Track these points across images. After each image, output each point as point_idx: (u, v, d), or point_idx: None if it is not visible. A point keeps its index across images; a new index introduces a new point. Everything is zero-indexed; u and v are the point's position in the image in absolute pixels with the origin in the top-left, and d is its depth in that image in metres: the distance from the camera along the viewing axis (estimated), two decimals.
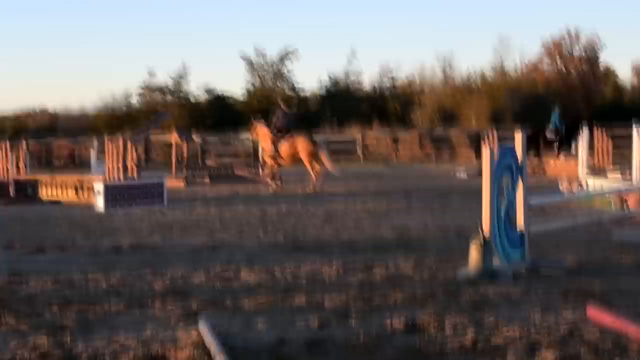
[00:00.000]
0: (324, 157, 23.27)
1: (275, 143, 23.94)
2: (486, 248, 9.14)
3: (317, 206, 18.37)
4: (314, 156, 23.25)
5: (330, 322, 7.25)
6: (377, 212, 17.01)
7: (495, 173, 9.31)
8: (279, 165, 24.26)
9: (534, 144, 29.44)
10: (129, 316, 7.67)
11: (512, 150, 9.79)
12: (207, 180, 27.55)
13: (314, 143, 23.52)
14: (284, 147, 23.69)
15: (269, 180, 24.47)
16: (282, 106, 25.15)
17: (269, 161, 24.53)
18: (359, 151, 44.61)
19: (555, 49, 62.97)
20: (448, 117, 57.63)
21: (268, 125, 24.64)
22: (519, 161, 9.77)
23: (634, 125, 18.07)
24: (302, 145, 23.35)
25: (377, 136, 47.19)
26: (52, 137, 51.47)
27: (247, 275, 9.68)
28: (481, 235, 9.19)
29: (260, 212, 17.42)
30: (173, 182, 25.06)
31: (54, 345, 6.58)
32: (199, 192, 23.68)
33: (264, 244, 12.57)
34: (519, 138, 9.94)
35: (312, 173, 23.49)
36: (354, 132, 49.63)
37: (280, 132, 23.97)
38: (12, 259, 11.50)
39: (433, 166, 39.36)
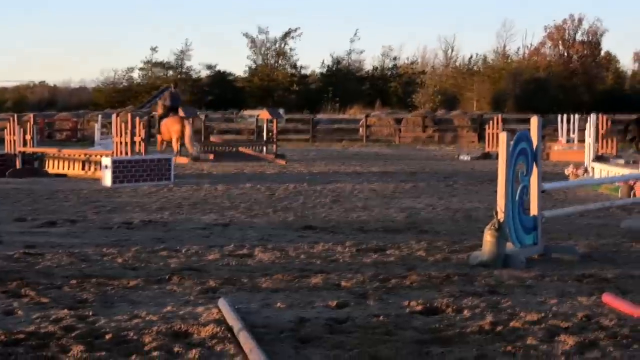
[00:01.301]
0: (187, 136, 25.94)
1: (160, 119, 26.95)
2: (500, 232, 9.18)
3: (323, 185, 18.42)
4: (181, 134, 25.95)
5: (349, 303, 7.29)
6: (384, 193, 17.05)
7: (511, 158, 9.35)
8: (163, 139, 27.15)
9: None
10: (148, 292, 7.72)
11: (528, 134, 9.82)
12: (211, 157, 27.56)
13: (182, 123, 26.09)
14: (162, 123, 26.65)
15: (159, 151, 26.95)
16: (172, 87, 28.31)
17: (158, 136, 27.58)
18: (362, 132, 44.57)
19: (558, 34, 62.89)
20: (449, 99, 57.65)
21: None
22: (534, 146, 9.82)
23: None
24: (171, 123, 26.19)
25: (379, 117, 47.16)
26: (52, 111, 51.33)
27: (262, 254, 9.74)
28: (495, 219, 9.23)
29: (268, 190, 17.47)
30: (177, 159, 25.08)
31: (77, 320, 6.61)
32: (204, 169, 23.73)
33: (274, 222, 12.63)
34: (534, 122, 9.97)
35: (175, 148, 26.36)
36: (356, 113, 49.62)
37: (167, 110, 26.92)
38: (25, 232, 11.54)
39: (435, 148, 39.39)
